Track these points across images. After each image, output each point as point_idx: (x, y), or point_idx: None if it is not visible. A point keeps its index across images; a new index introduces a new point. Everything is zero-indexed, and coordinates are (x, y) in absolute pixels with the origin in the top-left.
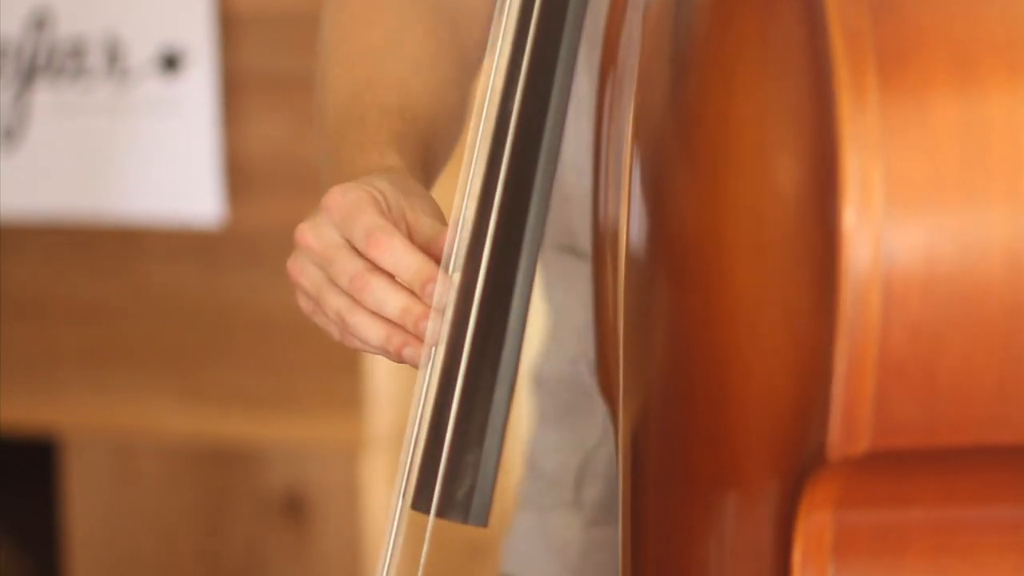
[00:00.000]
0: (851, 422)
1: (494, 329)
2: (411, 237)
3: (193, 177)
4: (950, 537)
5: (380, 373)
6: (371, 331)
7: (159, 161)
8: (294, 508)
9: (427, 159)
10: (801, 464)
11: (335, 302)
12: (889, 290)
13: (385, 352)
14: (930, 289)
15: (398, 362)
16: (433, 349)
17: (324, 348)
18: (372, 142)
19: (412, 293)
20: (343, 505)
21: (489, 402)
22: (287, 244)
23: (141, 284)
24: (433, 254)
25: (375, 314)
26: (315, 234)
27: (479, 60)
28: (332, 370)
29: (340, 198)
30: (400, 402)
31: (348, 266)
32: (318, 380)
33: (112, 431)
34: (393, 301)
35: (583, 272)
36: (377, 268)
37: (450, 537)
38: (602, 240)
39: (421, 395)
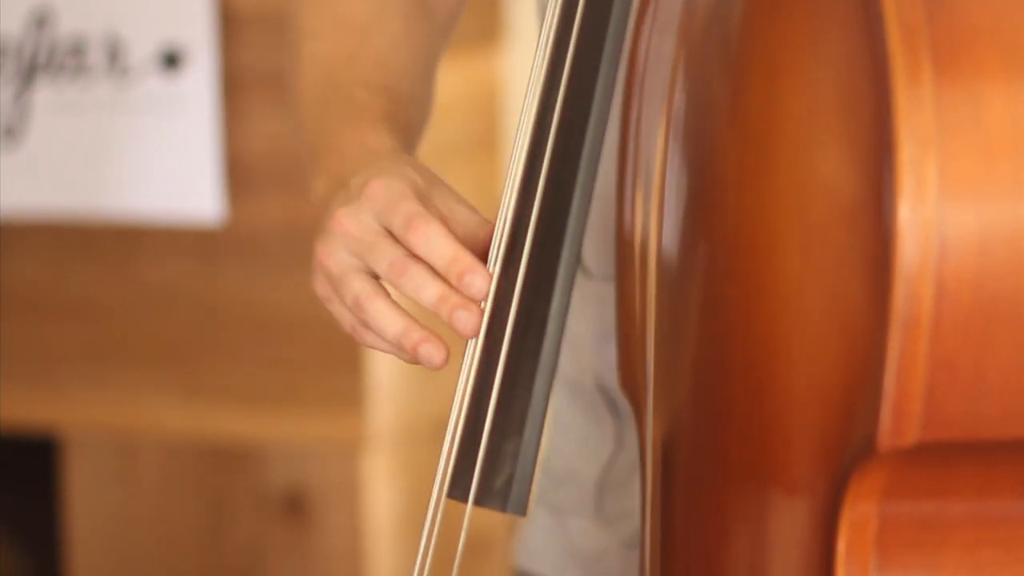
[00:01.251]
0: (901, 415)
1: (536, 316)
2: (449, 227)
3: (193, 175)
4: (990, 530)
5: (381, 370)
6: (389, 321)
7: (159, 159)
8: (295, 506)
9: (409, 141)
10: (848, 456)
11: (358, 286)
12: (941, 284)
13: (399, 348)
14: (981, 283)
15: (411, 362)
16: (473, 338)
17: (325, 345)
18: (363, 118)
19: (449, 284)
20: (344, 503)
21: (530, 391)
22: (287, 242)
23: (141, 282)
24: (477, 245)
25: (395, 306)
26: (354, 220)
27: (446, 41)
28: (333, 367)
29: (383, 188)
30: (401, 399)
31: (389, 251)
32: (319, 378)
33: (112, 429)
34: (431, 288)
35: (588, 292)
36: (417, 256)
37: (455, 531)
38: (628, 242)
39: (462, 383)
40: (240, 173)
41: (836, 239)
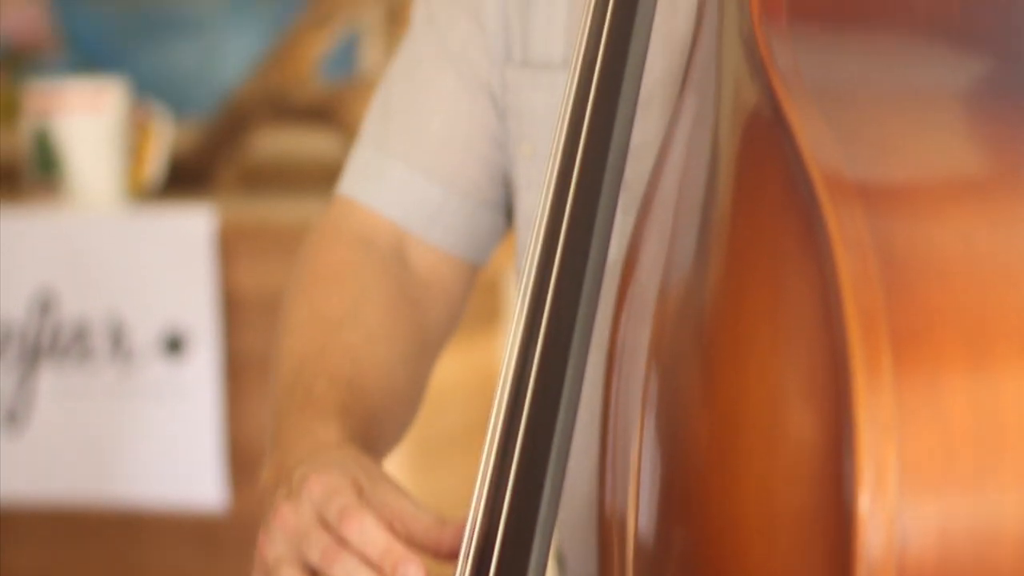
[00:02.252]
0: None
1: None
2: (403, 524)
3: (196, 462)
4: None
5: None
6: None
7: (162, 446)
8: None
9: (370, 434)
10: None
11: (288, 574)
12: (903, 572)
13: None
14: (943, 573)
15: None
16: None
17: None
18: (316, 411)
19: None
20: None
21: None
22: None
23: (143, 571)
24: (418, 539)
25: None
26: (294, 511)
27: (439, 342)
28: None
29: (321, 482)
30: None
31: (322, 540)
32: None
33: None
34: (363, 574)
35: None
36: (349, 545)
37: None
38: (608, 523)
39: None
40: (242, 459)
41: (799, 525)
